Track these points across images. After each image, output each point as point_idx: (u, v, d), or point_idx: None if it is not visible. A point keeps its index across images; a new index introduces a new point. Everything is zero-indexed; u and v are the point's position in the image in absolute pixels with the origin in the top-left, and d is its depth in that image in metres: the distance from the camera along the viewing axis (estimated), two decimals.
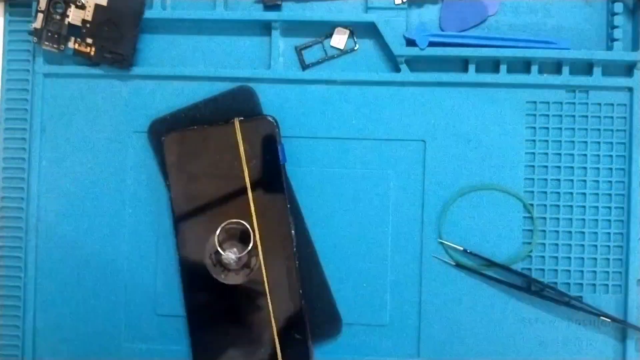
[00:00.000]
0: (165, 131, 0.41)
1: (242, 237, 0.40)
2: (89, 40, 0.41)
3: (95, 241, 0.42)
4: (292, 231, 0.40)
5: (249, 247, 0.39)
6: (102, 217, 0.42)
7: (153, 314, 0.42)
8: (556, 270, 0.41)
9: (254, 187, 0.40)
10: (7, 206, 0.42)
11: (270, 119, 0.40)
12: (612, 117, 0.41)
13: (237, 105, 0.41)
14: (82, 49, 0.41)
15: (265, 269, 0.39)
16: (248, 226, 0.39)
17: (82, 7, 0.41)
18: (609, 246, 0.41)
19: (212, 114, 0.41)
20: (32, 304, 0.42)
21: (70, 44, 0.41)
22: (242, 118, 0.40)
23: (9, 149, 0.43)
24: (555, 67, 0.42)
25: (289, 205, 0.40)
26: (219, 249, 0.39)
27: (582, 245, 0.41)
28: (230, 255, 0.39)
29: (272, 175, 0.40)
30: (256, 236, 0.39)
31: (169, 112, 0.42)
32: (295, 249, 0.40)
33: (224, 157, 0.40)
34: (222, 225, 0.39)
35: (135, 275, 0.42)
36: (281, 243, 0.40)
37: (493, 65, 0.42)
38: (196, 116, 0.41)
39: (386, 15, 0.42)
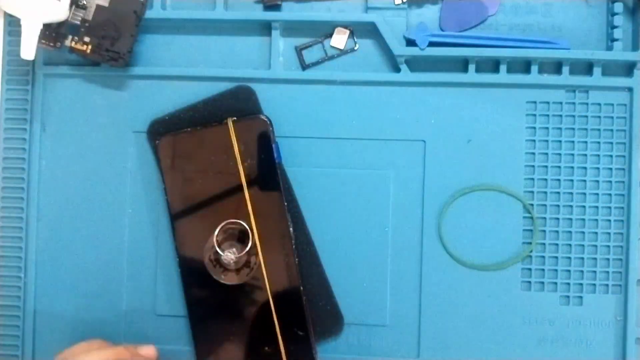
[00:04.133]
0: (160, 134, 0.41)
1: (241, 237, 0.40)
2: (86, 39, 0.41)
3: (95, 241, 0.42)
4: (290, 228, 0.40)
5: (248, 247, 0.39)
6: (102, 216, 0.42)
7: (153, 314, 0.42)
8: (556, 270, 0.41)
9: (250, 187, 0.40)
10: (7, 206, 0.42)
11: (263, 117, 0.40)
12: (612, 117, 0.41)
13: (237, 104, 0.41)
14: (79, 47, 0.41)
15: (265, 267, 0.40)
16: (246, 226, 0.39)
17: (83, 7, 0.41)
18: (609, 246, 0.41)
19: (211, 114, 0.41)
20: (32, 304, 0.42)
21: (67, 42, 0.41)
22: (235, 118, 0.40)
23: (9, 149, 0.43)
24: (555, 67, 0.42)
25: (285, 203, 0.40)
26: (217, 249, 0.39)
27: (582, 245, 0.41)
28: (229, 255, 0.39)
29: (267, 174, 0.40)
30: (254, 235, 0.39)
31: (168, 113, 0.42)
32: (294, 246, 0.40)
33: (219, 157, 0.40)
34: (220, 225, 0.39)
35: (135, 275, 0.42)
36: (280, 241, 0.40)
37: (493, 65, 0.42)
38: (195, 116, 0.41)
39: (386, 15, 0.42)
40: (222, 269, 0.40)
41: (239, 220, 0.39)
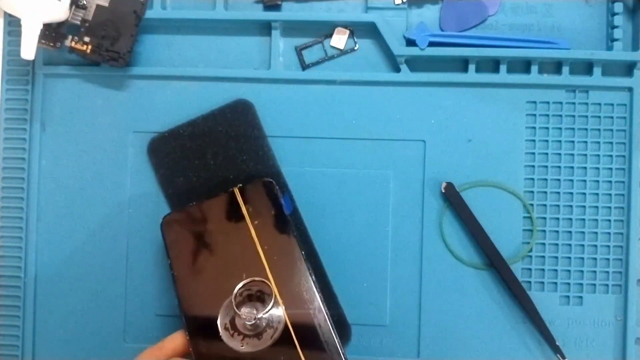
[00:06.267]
0: (160, 151, 0.41)
1: (258, 297, 0.36)
2: (86, 39, 0.41)
3: (95, 241, 0.42)
4: (312, 277, 0.36)
5: (272, 303, 0.35)
6: (102, 217, 0.42)
7: (153, 314, 0.42)
8: (556, 270, 0.41)
9: (263, 245, 0.37)
10: (7, 206, 0.42)
11: (267, 179, 0.39)
12: (612, 117, 0.41)
13: (235, 119, 0.41)
14: (79, 46, 0.41)
15: (291, 325, 0.35)
16: (267, 281, 0.36)
17: (83, 7, 0.41)
18: (609, 246, 0.41)
19: (210, 129, 0.41)
20: (32, 304, 0.42)
21: (67, 42, 0.41)
22: (240, 185, 0.38)
23: (9, 149, 0.43)
24: (555, 67, 0.42)
25: (303, 252, 0.37)
26: (236, 309, 0.35)
27: (582, 245, 0.41)
28: (252, 312, 0.35)
29: (280, 229, 0.38)
30: (275, 292, 0.36)
31: (168, 130, 0.42)
32: (321, 299, 0.36)
33: (227, 224, 0.38)
34: (240, 285, 0.36)
35: (135, 275, 0.42)
36: (303, 295, 0.36)
37: (493, 65, 0.42)
38: (195, 132, 0.42)
39: (386, 15, 0.42)
40: (242, 336, 0.35)
41: (259, 278, 0.36)
